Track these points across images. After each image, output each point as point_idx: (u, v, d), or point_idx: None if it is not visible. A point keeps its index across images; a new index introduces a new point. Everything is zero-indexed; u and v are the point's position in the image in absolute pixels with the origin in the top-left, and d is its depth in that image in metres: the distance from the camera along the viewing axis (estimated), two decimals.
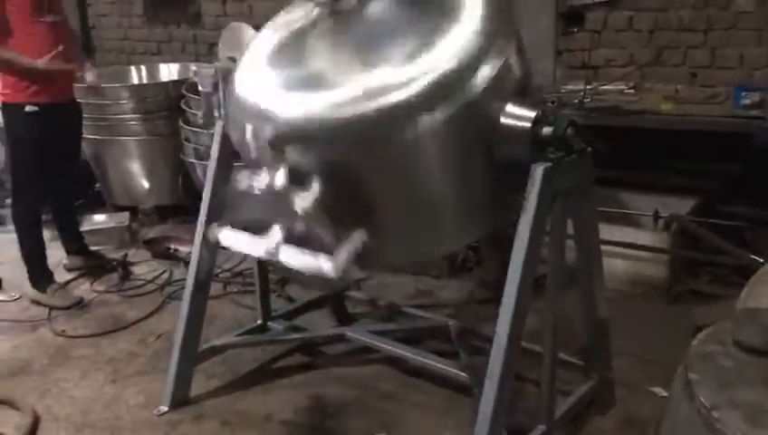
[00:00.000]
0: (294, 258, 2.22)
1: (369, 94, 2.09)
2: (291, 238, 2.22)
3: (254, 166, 2.29)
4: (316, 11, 2.44)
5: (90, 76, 4.22)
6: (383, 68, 2.16)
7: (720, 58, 4.00)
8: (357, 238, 2.15)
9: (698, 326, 3.24)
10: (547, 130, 2.17)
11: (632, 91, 4.13)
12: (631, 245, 3.70)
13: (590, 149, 2.33)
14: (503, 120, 2.19)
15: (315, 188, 2.15)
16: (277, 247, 2.22)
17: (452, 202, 2.32)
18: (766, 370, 1.80)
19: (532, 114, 2.18)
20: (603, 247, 2.75)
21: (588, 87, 3.99)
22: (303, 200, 2.13)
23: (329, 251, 2.16)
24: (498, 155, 2.22)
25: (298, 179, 2.16)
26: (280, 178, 2.14)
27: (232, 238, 2.42)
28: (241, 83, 2.42)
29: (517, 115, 2.19)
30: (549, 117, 2.21)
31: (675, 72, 4.14)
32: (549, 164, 2.15)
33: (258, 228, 2.29)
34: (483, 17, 2.19)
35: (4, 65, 3.69)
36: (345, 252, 2.13)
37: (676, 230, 3.71)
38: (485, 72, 2.12)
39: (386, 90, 2.09)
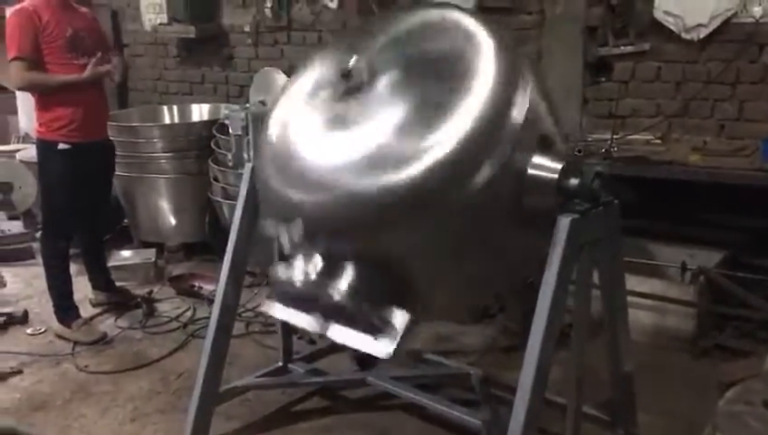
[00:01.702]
0: (345, 336, 2.28)
1: (399, 168, 2.11)
2: (339, 315, 2.26)
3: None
4: (328, 92, 2.44)
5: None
6: (405, 143, 2.17)
7: (748, 111, 3.98)
8: (401, 321, 2.17)
9: (725, 383, 3.19)
10: (574, 181, 2.18)
11: (659, 141, 4.12)
12: (658, 297, 3.66)
13: (616, 201, 2.32)
14: (530, 171, 2.20)
15: (349, 273, 2.18)
16: (327, 324, 2.26)
17: (486, 263, 2.33)
18: None
19: (559, 165, 2.19)
20: (629, 299, 2.72)
21: (614, 136, 3.99)
22: (339, 288, 2.17)
23: (375, 328, 2.20)
24: (525, 206, 2.22)
25: (332, 266, 2.19)
26: (314, 268, 2.18)
27: (285, 313, 2.45)
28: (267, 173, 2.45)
29: (544, 166, 2.20)
30: (575, 168, 2.23)
31: (702, 123, 4.13)
32: (575, 216, 2.14)
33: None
34: (496, 77, 2.18)
35: (44, 88, 3.77)
36: (395, 336, 2.16)
37: (704, 283, 3.66)
38: (510, 130, 2.14)
39: (413, 163, 2.10)
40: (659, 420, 3.00)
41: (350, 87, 2.32)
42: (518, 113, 2.15)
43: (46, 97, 3.81)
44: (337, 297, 2.16)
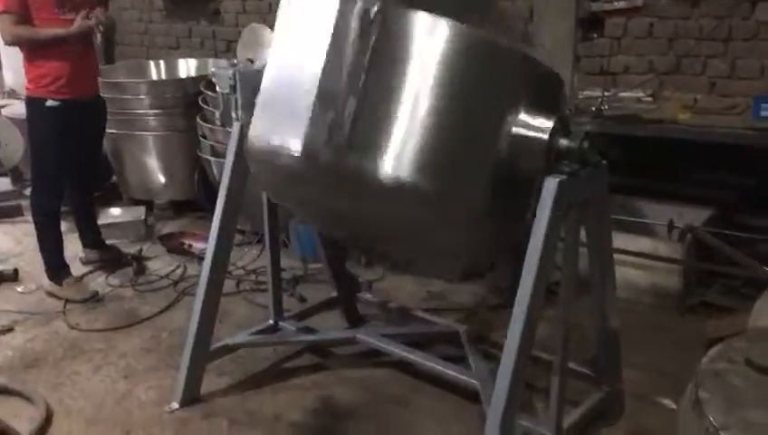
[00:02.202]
0: None
1: None
2: None
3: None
4: None
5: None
6: None
7: (740, 68, 3.96)
8: None
9: (710, 339, 3.24)
10: (563, 142, 2.17)
11: (650, 99, 4.10)
12: (645, 254, 3.69)
13: (604, 161, 2.31)
14: (517, 129, 2.19)
15: None
16: None
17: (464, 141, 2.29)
18: None
19: (549, 124, 2.17)
20: (616, 256, 2.74)
21: (606, 94, 3.97)
22: None
23: None
24: (513, 163, 2.21)
25: None
26: None
27: None
28: None
29: (532, 125, 2.19)
30: (565, 128, 2.21)
31: (694, 80, 4.11)
32: (564, 177, 2.14)
33: None
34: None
35: (33, 42, 3.72)
36: None
37: (691, 241, 3.69)
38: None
39: None
40: (644, 376, 3.05)
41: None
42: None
43: (34, 53, 3.75)
44: None
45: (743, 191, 3.93)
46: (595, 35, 4.34)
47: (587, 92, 4.20)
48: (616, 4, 4.18)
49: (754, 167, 3.78)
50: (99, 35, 3.92)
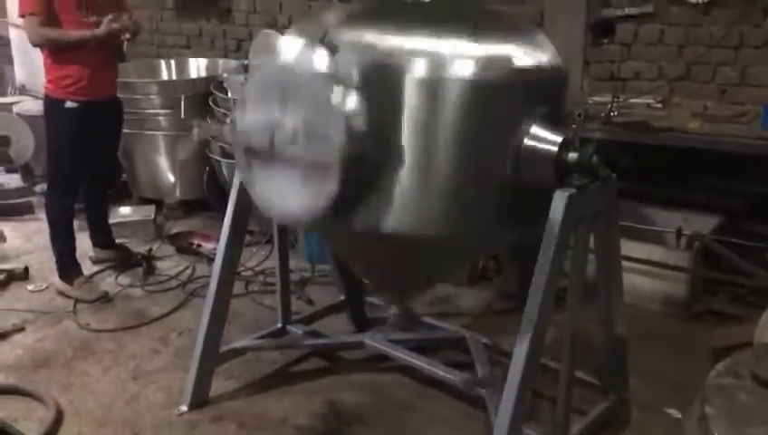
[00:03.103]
0: None
1: None
2: None
3: None
4: None
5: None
6: None
7: (750, 76, 3.95)
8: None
9: (716, 348, 3.25)
10: (572, 155, 2.18)
11: (660, 105, 4.10)
12: (652, 262, 3.70)
13: (614, 174, 2.33)
14: (527, 141, 2.20)
15: None
16: None
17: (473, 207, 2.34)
18: None
19: (559, 139, 2.19)
20: (624, 263, 2.75)
21: (615, 100, 3.96)
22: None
23: None
24: (522, 176, 2.23)
25: None
26: None
27: None
28: None
29: (543, 138, 2.20)
30: (574, 141, 2.23)
31: (704, 87, 4.10)
32: (573, 191, 2.16)
33: None
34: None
35: (58, 44, 3.74)
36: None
37: (699, 249, 3.70)
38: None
39: None
40: (651, 385, 3.07)
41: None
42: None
43: (56, 54, 3.78)
44: None
45: (751, 199, 3.93)
46: (605, 41, 4.34)
47: (596, 98, 4.20)
48: (627, 10, 4.18)
49: (763, 174, 3.78)
50: (125, 41, 3.95)
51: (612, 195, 2.40)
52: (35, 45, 3.82)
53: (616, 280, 2.67)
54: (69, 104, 3.79)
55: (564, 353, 2.50)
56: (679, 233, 3.85)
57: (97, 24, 3.74)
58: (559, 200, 2.15)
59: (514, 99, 2.24)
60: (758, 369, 1.96)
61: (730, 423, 1.78)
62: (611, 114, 3.88)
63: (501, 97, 2.21)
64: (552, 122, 2.26)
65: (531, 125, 2.22)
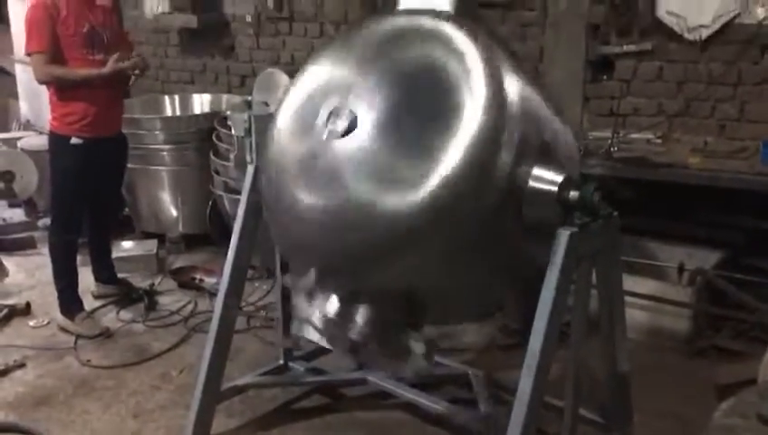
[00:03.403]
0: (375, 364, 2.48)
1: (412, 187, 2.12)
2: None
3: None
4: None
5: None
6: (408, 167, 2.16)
7: (749, 112, 3.99)
8: (420, 346, 2.26)
9: (721, 385, 3.23)
10: (573, 194, 2.19)
11: (659, 141, 4.13)
12: (655, 298, 3.69)
13: (616, 213, 2.34)
14: (530, 183, 2.21)
15: (363, 310, 2.22)
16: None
17: (489, 272, 2.37)
18: None
19: (559, 178, 2.20)
20: (626, 299, 2.74)
21: (615, 135, 3.99)
22: (356, 327, 2.23)
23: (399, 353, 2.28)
24: (525, 218, 2.24)
25: (347, 306, 2.25)
26: (332, 306, 2.23)
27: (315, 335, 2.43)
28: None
29: (543, 178, 2.22)
30: (575, 180, 2.24)
31: (703, 123, 4.14)
32: (575, 229, 2.16)
33: None
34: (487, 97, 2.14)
35: (65, 82, 3.78)
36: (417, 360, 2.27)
37: (701, 284, 3.69)
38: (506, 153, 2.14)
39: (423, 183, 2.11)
40: (655, 421, 3.04)
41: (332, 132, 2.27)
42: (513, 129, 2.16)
43: (62, 91, 3.82)
44: (355, 337, 2.22)
45: (753, 233, 3.94)
46: (605, 77, 4.39)
47: (596, 133, 4.24)
48: (626, 47, 4.23)
49: (764, 209, 3.79)
50: (133, 79, 4.00)
51: (614, 232, 2.40)
52: (41, 83, 3.86)
53: (619, 316, 2.67)
54: (74, 141, 3.82)
55: (568, 390, 2.48)
56: (681, 268, 3.85)
57: (103, 62, 3.78)
58: (561, 239, 2.16)
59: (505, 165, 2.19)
60: (763, 409, 1.96)
61: None
62: (611, 150, 3.92)
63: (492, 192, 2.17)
64: (550, 157, 2.27)
65: (533, 168, 2.23)
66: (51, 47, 3.72)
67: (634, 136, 4.14)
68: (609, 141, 3.96)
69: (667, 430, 3.00)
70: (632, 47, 4.22)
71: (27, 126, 7.07)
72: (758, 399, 2.04)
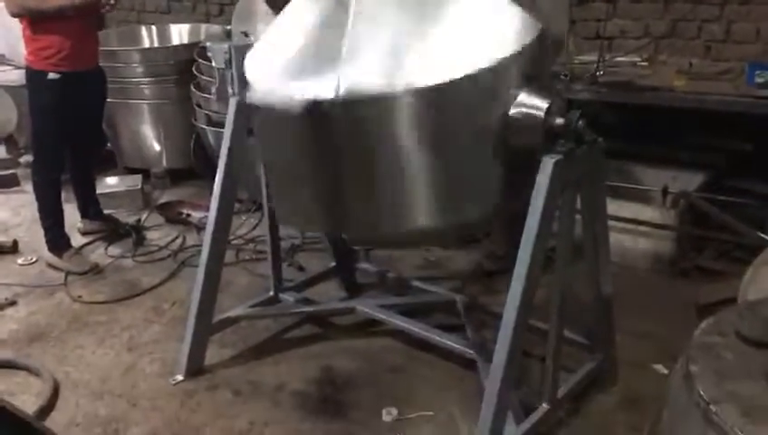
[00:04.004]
0: None
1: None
2: None
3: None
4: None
5: None
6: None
7: (736, 32, 3.96)
8: None
9: (701, 305, 3.31)
10: (559, 121, 2.18)
11: (646, 63, 4.10)
12: (638, 221, 3.73)
13: (600, 139, 2.34)
14: (515, 109, 2.21)
15: None
16: None
17: (456, 176, 2.35)
18: (767, 363, 1.84)
19: (545, 105, 2.19)
20: (610, 223, 2.78)
21: (601, 59, 3.95)
22: None
23: None
24: (510, 142, 2.24)
25: None
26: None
27: None
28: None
29: (529, 105, 2.21)
30: (560, 106, 2.23)
31: (689, 44, 4.11)
32: (560, 157, 2.17)
33: None
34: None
35: (39, 13, 3.68)
36: None
37: (684, 207, 3.73)
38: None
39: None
40: (638, 342, 3.12)
41: None
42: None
43: (35, 26, 3.72)
44: None
45: (737, 156, 3.96)
46: None
47: (582, 57, 4.19)
48: None
49: (747, 131, 3.81)
50: (106, 11, 3.89)
51: (599, 158, 2.42)
52: (14, 15, 3.75)
53: (602, 241, 2.70)
54: (51, 75, 3.74)
55: (552, 314, 2.54)
56: (665, 191, 3.88)
57: None
58: (546, 166, 2.17)
59: (498, 81, 2.23)
60: (742, 327, 2.01)
61: (715, 381, 1.82)
62: (597, 74, 3.88)
63: (484, 83, 2.21)
64: (538, 84, 2.26)
65: (517, 92, 2.22)
66: None
67: (620, 59, 4.11)
68: (595, 65, 3.92)
69: (649, 350, 3.08)
70: None
71: (3, 61, 6.87)
72: (738, 317, 2.08)
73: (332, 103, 2.19)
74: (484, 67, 2.15)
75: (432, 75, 2.15)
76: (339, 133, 2.25)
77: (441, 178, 2.32)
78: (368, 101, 2.18)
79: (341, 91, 2.17)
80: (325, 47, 2.30)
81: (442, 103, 2.18)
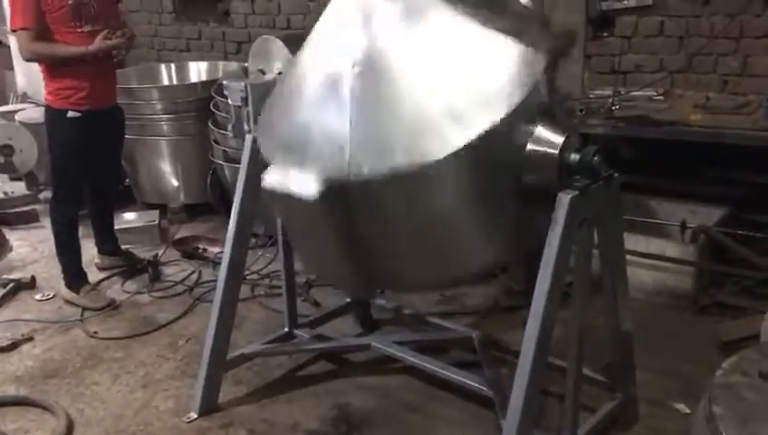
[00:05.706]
0: None
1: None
2: None
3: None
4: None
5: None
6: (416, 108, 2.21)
7: (752, 66, 3.94)
8: None
9: (724, 341, 3.25)
10: (574, 156, 2.17)
11: (662, 97, 4.09)
12: (657, 256, 3.69)
13: (616, 175, 2.32)
14: (530, 145, 2.20)
15: None
16: None
17: (480, 225, 2.35)
18: None
19: (560, 140, 2.18)
20: (629, 257, 2.75)
21: (617, 93, 3.95)
22: None
23: None
24: (525, 179, 2.23)
25: None
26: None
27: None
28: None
29: (545, 141, 2.20)
30: (576, 141, 2.23)
31: (706, 78, 4.09)
32: (575, 193, 2.15)
33: None
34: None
35: (51, 59, 3.73)
36: None
37: (704, 241, 3.69)
38: (515, 99, 2.13)
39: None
40: (658, 380, 3.06)
41: None
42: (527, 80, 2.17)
43: (52, 67, 3.77)
44: None
45: (755, 189, 3.91)
46: (606, 34, 4.33)
47: (598, 91, 4.19)
48: (626, 2, 4.17)
49: (767, 165, 3.77)
50: (120, 57, 3.96)
51: (615, 193, 2.40)
52: (26, 60, 3.80)
53: (620, 276, 2.67)
54: (71, 114, 3.79)
55: (571, 351, 2.50)
56: (684, 226, 3.84)
57: (92, 34, 3.71)
58: (561, 201, 2.15)
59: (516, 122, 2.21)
60: (765, 366, 1.96)
61: (738, 422, 1.78)
62: (613, 108, 3.88)
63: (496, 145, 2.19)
64: (552, 116, 2.25)
65: (535, 128, 2.21)
66: (36, 23, 3.63)
67: (636, 93, 4.10)
68: (611, 99, 3.92)
69: (672, 388, 3.02)
70: (633, 2, 4.16)
71: (24, 99, 7.02)
72: (760, 356, 2.04)
73: (347, 186, 2.21)
74: (504, 116, 2.13)
75: (453, 137, 2.13)
76: (358, 211, 2.27)
77: (470, 229, 2.33)
78: (384, 180, 2.17)
79: (355, 173, 2.19)
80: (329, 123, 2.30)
81: (472, 164, 2.17)
